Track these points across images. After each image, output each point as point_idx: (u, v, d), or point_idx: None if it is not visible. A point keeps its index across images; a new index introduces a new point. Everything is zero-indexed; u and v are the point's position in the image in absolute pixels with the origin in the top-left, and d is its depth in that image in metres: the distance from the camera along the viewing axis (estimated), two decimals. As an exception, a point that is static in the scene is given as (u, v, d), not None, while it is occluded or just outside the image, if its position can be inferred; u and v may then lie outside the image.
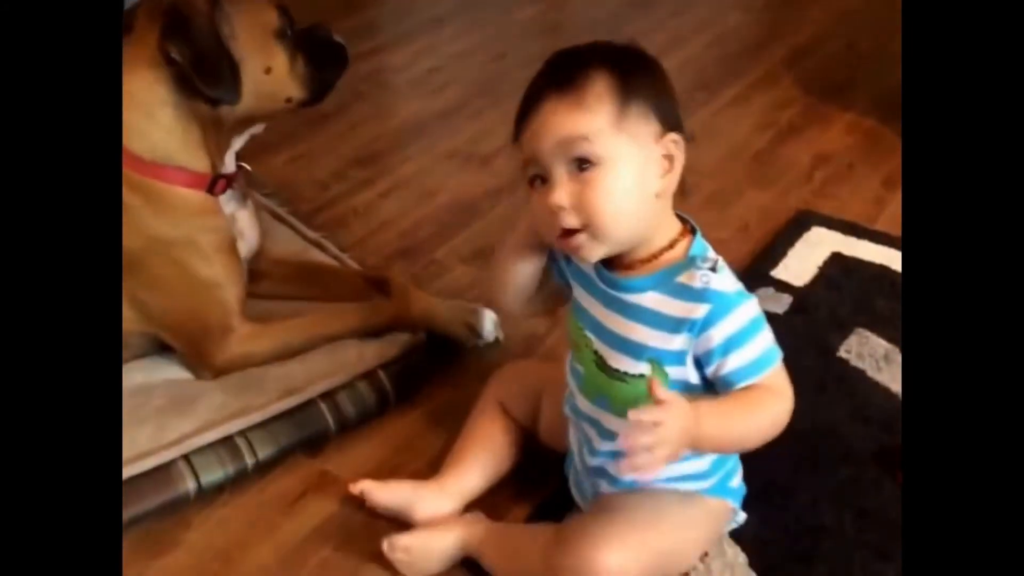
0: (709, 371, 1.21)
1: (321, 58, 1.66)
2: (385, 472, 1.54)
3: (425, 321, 1.76)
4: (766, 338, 1.21)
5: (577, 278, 1.32)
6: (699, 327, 1.18)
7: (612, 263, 1.25)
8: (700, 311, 1.18)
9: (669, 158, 1.19)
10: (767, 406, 1.20)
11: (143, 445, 1.52)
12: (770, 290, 1.91)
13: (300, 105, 1.67)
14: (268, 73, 1.59)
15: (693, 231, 1.26)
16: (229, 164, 1.67)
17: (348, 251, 2.04)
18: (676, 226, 1.25)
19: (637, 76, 1.19)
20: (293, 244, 2.02)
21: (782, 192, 2.25)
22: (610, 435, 1.30)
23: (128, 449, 1.50)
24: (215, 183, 1.63)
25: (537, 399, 1.52)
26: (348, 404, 1.64)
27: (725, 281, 1.19)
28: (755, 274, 1.96)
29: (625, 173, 1.17)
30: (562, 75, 1.19)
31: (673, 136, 1.19)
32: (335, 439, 1.62)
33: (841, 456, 1.56)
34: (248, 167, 1.73)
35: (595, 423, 1.33)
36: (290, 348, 1.70)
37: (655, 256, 1.23)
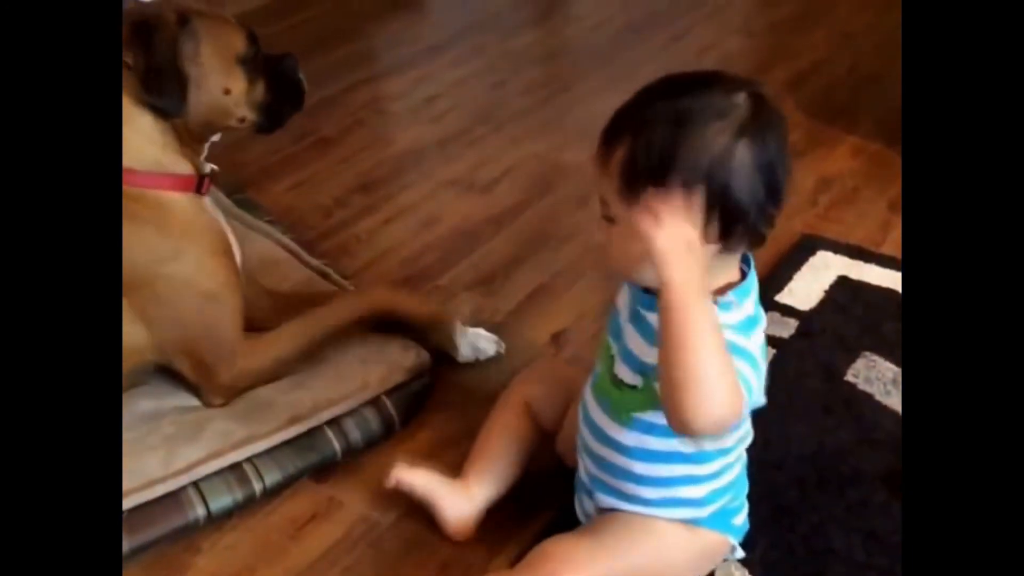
0: None
1: (280, 90, 1.72)
2: (393, 497, 1.55)
3: (409, 315, 1.81)
4: (743, 366, 1.15)
5: (627, 285, 1.32)
6: None
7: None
8: None
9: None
10: (736, 382, 1.11)
11: (153, 472, 1.54)
12: (776, 315, 1.90)
13: (255, 129, 1.73)
14: (227, 94, 1.64)
15: (732, 287, 1.22)
16: (204, 166, 1.70)
17: (351, 278, 2.04)
18: (724, 276, 1.22)
19: (661, 148, 1.14)
20: (297, 273, 2.03)
21: (787, 216, 2.19)
22: (603, 439, 1.33)
23: (138, 477, 1.52)
24: (201, 183, 1.67)
25: (565, 404, 1.52)
26: (354, 430, 1.65)
27: (727, 315, 1.18)
28: (761, 299, 1.94)
29: (622, 239, 1.18)
30: (615, 126, 1.18)
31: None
32: (342, 464, 1.63)
33: (849, 479, 1.55)
34: (216, 168, 1.74)
35: (592, 425, 1.35)
36: (297, 353, 1.72)
37: None
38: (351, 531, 1.53)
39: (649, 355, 1.24)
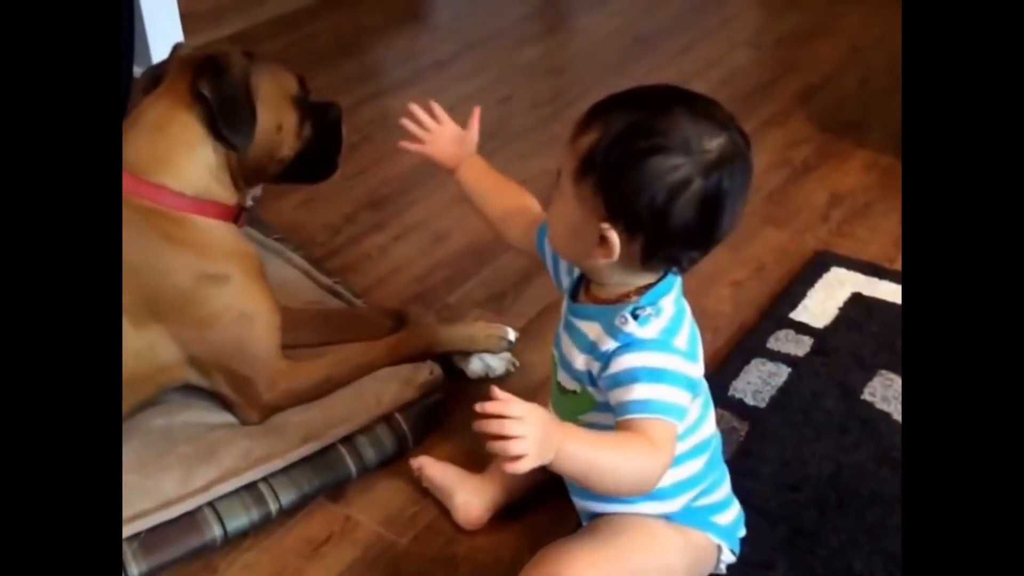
0: (610, 399, 1.24)
1: (324, 135, 1.79)
2: (408, 515, 1.57)
3: (452, 349, 1.83)
4: (667, 391, 1.21)
5: (567, 294, 1.38)
6: (606, 357, 1.24)
7: (581, 292, 1.34)
8: (611, 345, 1.24)
9: (603, 240, 1.20)
10: (639, 453, 1.19)
11: (170, 492, 1.55)
12: (790, 332, 1.89)
13: (297, 174, 1.80)
14: (278, 131, 1.69)
15: (659, 283, 1.27)
16: (247, 201, 1.76)
17: (362, 296, 2.03)
18: (643, 281, 1.27)
19: (620, 156, 1.17)
20: (308, 292, 2.02)
21: (798, 232, 2.23)
22: None
23: (155, 497, 1.54)
24: (239, 215, 1.71)
25: None
26: (368, 448, 1.65)
27: (644, 330, 1.23)
28: (774, 316, 1.94)
29: (563, 214, 1.25)
30: (595, 110, 1.22)
31: (605, 225, 1.19)
32: (356, 483, 1.63)
33: (869, 499, 1.54)
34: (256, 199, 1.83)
35: None
36: (330, 382, 1.74)
37: (613, 299, 1.28)
38: (368, 551, 1.53)
39: (580, 362, 1.30)
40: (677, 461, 1.30)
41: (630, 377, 1.21)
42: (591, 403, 1.31)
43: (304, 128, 1.73)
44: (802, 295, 1.99)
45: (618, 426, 1.22)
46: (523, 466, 1.09)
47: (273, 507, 1.55)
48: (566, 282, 1.40)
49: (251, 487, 1.56)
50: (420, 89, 3.00)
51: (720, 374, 1.79)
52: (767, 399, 1.74)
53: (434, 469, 1.58)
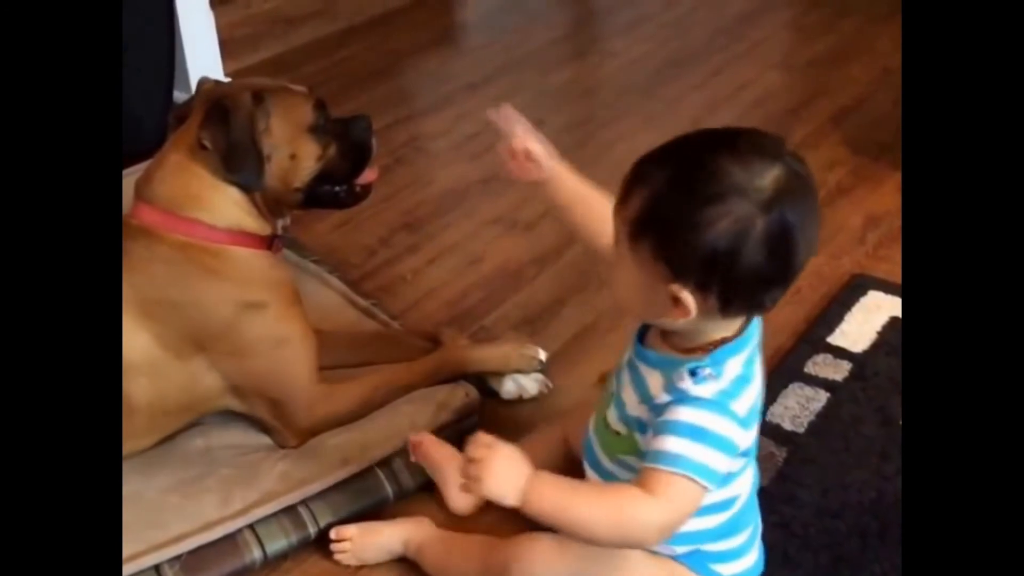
0: (646, 444, 1.23)
1: (349, 153, 1.77)
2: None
3: (483, 369, 1.84)
4: (704, 452, 1.17)
5: (635, 335, 1.34)
6: (660, 410, 1.21)
7: (651, 334, 1.30)
8: (665, 399, 1.21)
9: (676, 301, 1.16)
10: (625, 502, 1.18)
11: (210, 515, 1.56)
12: (828, 356, 1.88)
13: (329, 199, 1.78)
14: (292, 160, 1.69)
15: (725, 343, 1.23)
16: (279, 228, 1.76)
17: (398, 318, 2.04)
18: (727, 331, 1.23)
19: (671, 214, 1.13)
20: (345, 313, 2.03)
21: (834, 255, 2.22)
22: (596, 465, 1.38)
23: (196, 519, 1.56)
24: (272, 242, 1.72)
25: None
26: (404, 471, 1.65)
27: (700, 388, 1.18)
28: (811, 340, 1.93)
29: (628, 282, 1.20)
30: (635, 171, 1.19)
31: (676, 287, 1.15)
32: (394, 506, 1.63)
33: (911, 527, 1.52)
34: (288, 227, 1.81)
35: (590, 449, 1.39)
36: (367, 405, 1.75)
37: (684, 350, 1.24)
38: (407, 574, 1.53)
39: (634, 408, 1.27)
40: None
41: (672, 429, 1.18)
42: (633, 448, 1.28)
43: (327, 151, 1.72)
44: (839, 319, 1.99)
45: (639, 473, 1.20)
46: (475, 491, 1.18)
47: (312, 530, 1.56)
48: None
49: (290, 510, 1.57)
50: (453, 112, 3.02)
51: (758, 398, 1.78)
52: (805, 424, 1.73)
53: (433, 448, 1.56)
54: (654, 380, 1.25)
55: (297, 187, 1.70)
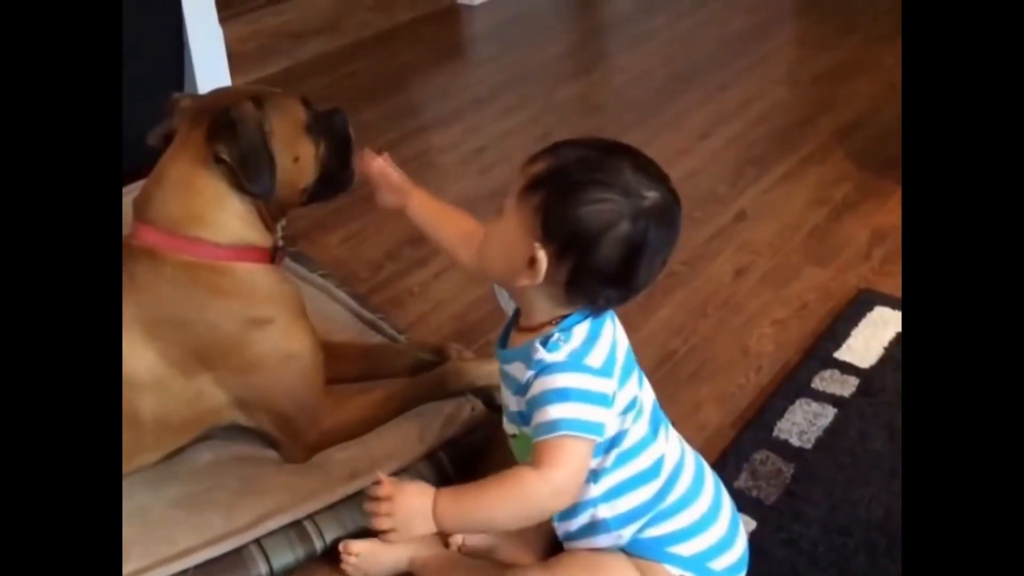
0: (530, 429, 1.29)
1: (335, 147, 1.75)
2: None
3: (487, 381, 1.83)
4: (574, 408, 1.25)
5: (497, 345, 1.42)
6: (525, 388, 1.30)
7: (511, 337, 1.38)
8: (528, 375, 1.29)
9: (532, 262, 1.25)
10: (516, 485, 1.27)
11: (217, 528, 1.56)
12: (835, 372, 1.88)
13: (314, 195, 1.75)
14: (295, 162, 1.68)
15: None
16: (278, 239, 1.75)
17: (404, 332, 2.04)
18: (565, 312, 1.31)
19: (567, 181, 1.24)
20: (352, 327, 2.04)
21: (840, 270, 2.22)
22: None
23: (202, 533, 1.55)
24: (275, 254, 1.71)
25: None
26: (412, 487, 1.64)
27: (554, 355, 1.27)
28: (818, 356, 1.93)
29: (499, 232, 1.30)
30: (551, 146, 1.30)
31: (537, 245, 1.24)
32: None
33: (920, 543, 1.52)
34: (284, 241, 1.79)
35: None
36: (374, 419, 1.74)
37: (533, 329, 1.32)
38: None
39: (514, 404, 1.35)
40: (617, 491, 1.33)
41: (539, 401, 1.26)
42: (529, 442, 1.31)
43: (320, 149, 1.72)
44: (846, 334, 1.98)
45: (532, 452, 1.26)
46: (392, 538, 1.28)
47: (318, 545, 1.55)
48: (511, 308, 1.42)
49: (296, 525, 1.56)
50: (460, 125, 3.03)
51: (764, 414, 1.78)
52: (813, 440, 1.73)
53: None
54: (518, 369, 1.32)
55: (303, 188, 1.70)
